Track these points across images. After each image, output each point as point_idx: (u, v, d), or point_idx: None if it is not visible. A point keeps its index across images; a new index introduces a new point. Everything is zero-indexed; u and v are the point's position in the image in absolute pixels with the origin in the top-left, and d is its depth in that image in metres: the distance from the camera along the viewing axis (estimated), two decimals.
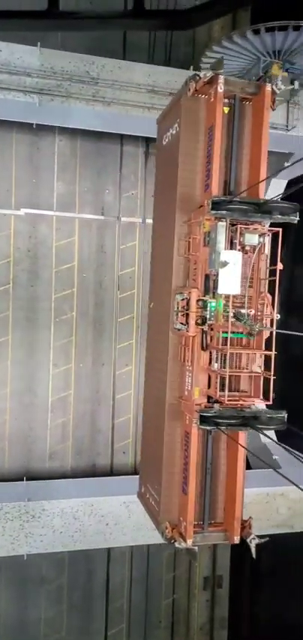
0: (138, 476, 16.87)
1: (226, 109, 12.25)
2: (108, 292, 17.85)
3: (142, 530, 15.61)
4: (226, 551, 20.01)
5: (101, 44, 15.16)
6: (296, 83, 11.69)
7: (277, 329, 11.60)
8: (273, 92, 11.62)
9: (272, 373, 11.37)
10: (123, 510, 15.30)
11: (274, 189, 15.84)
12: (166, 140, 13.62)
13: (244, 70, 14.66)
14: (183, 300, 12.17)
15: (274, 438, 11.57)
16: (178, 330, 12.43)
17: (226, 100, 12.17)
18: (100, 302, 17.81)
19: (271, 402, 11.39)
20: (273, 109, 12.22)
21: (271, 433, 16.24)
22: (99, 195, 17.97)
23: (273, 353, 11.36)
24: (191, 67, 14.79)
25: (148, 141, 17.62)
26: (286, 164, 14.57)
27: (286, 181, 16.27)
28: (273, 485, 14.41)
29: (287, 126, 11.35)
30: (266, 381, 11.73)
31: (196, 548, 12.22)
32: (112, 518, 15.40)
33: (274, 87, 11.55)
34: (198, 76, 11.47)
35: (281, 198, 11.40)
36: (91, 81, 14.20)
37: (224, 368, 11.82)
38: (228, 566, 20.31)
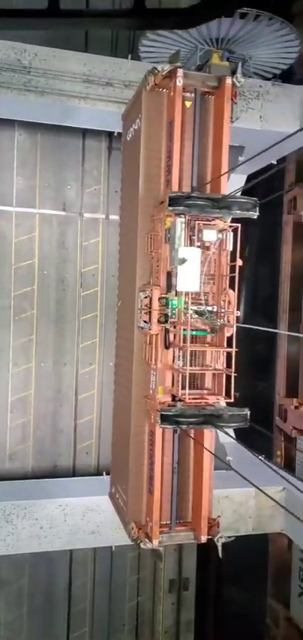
0: (79, 477, 16.79)
1: (189, 103, 12.09)
2: (70, 290, 17.45)
3: (79, 533, 15.36)
4: (193, 554, 19.84)
5: (65, 38, 14.76)
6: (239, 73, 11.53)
7: (239, 326, 11.55)
8: (233, 85, 11.47)
9: (233, 370, 11.30)
10: (58, 514, 15.02)
11: (235, 184, 15.75)
12: (130, 136, 13.40)
13: (183, 60, 14.37)
14: (146, 297, 12.01)
15: (233, 436, 11.52)
16: (142, 328, 12.28)
17: (189, 94, 12.02)
18: (61, 300, 17.40)
19: (232, 400, 11.32)
20: (235, 103, 12.12)
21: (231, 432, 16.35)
22: (60, 191, 17.53)
23: (233, 350, 11.29)
24: (129, 57, 14.39)
25: (111, 135, 17.27)
26: (240, 158, 14.45)
27: (246, 176, 16.23)
28: (220, 488, 14.37)
29: (231, 117, 11.24)
30: (236, 378, 11.72)
31: (161, 549, 12.09)
32: (47, 521, 15.07)
33: (234, 80, 11.40)
34: (156, 69, 11.24)
35: (242, 193, 11.32)
36: (23, 70, 13.55)
37: (190, 366, 11.75)
38: (194, 568, 20.14)
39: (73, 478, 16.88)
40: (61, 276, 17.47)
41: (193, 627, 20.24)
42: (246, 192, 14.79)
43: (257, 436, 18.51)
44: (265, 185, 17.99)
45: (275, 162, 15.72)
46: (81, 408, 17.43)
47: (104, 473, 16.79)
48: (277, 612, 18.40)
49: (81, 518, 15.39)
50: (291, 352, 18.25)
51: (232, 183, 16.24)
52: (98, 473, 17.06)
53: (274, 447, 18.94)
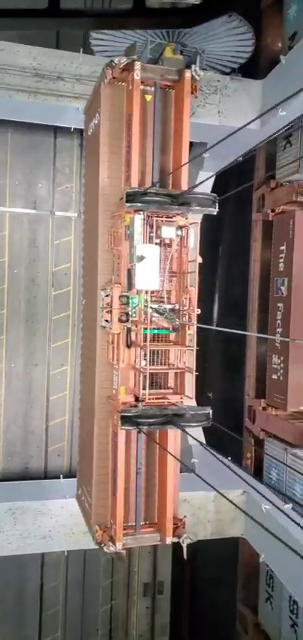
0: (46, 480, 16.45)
1: (149, 97, 11.85)
2: (41, 289, 17.16)
3: (29, 538, 14.95)
4: (168, 557, 19.48)
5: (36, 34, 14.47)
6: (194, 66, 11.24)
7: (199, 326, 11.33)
8: (193, 78, 11.23)
9: (194, 369, 11.08)
10: (8, 518, 14.67)
11: (205, 183, 15.56)
12: (91, 130, 13.16)
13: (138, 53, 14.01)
14: (107, 296, 11.78)
15: (196, 438, 11.27)
16: (104, 327, 12.05)
17: (149, 88, 11.79)
18: (32, 299, 17.09)
19: (193, 399, 11.10)
20: (195, 97, 11.89)
21: (200, 433, 16.13)
22: (31, 189, 17.25)
23: (194, 349, 11.07)
24: (81, 50, 14.06)
25: (83, 133, 17.02)
26: (204, 155, 14.19)
27: (214, 174, 15.98)
28: (180, 490, 14.17)
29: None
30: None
31: (124, 552, 11.85)
32: None
33: (193, 73, 11.16)
34: (113, 62, 11.00)
35: (212, 191, 11.06)
36: None
37: (151, 365, 11.55)
38: (169, 572, 19.77)
39: (25, 481, 16.47)
40: (31, 275, 17.19)
41: (168, 631, 19.89)
42: (216, 190, 14.63)
43: (228, 438, 18.34)
44: (237, 183, 17.72)
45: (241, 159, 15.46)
46: (52, 410, 17.15)
47: (61, 476, 16.55)
48: (246, 618, 18.05)
49: (32, 522, 14.98)
50: (260, 353, 17.99)
51: (201, 180, 16.05)
52: (70, 475, 16.77)
53: (244, 449, 18.70)
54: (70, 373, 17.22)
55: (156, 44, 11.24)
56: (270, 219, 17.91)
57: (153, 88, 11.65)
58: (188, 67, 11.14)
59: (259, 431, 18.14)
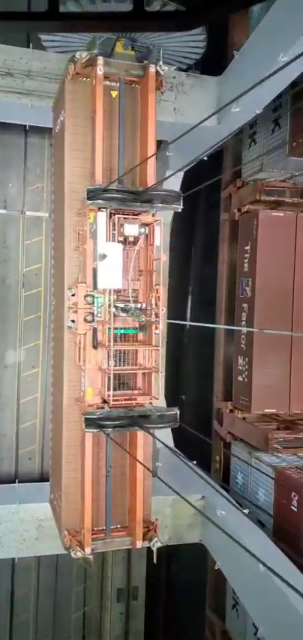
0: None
1: (114, 93, 11.64)
2: (12, 290, 16.77)
3: None
4: (142, 562, 19.02)
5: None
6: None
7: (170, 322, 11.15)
8: (157, 73, 11.04)
9: (160, 369, 10.89)
10: None
11: (172, 182, 15.32)
12: (58, 127, 12.92)
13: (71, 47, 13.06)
14: (73, 295, 11.55)
15: (161, 440, 11.09)
16: (70, 327, 11.81)
17: (114, 83, 11.58)
18: (3, 300, 16.68)
19: (159, 400, 10.90)
20: (161, 92, 11.71)
21: (169, 436, 15.91)
22: (1, 189, 16.87)
23: (160, 348, 10.88)
24: (31, 45, 13.69)
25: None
26: (168, 154, 13.96)
27: (183, 173, 15.78)
28: None
29: None
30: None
31: (91, 557, 11.62)
32: None
33: (158, 68, 10.97)
34: (75, 57, 10.77)
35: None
36: None
37: (119, 366, 11.35)
38: (144, 577, 19.39)
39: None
40: (2, 276, 16.81)
41: (142, 636, 19.52)
42: (187, 190, 14.50)
43: (199, 441, 18.10)
44: (207, 182, 17.50)
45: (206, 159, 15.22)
46: (23, 412, 16.79)
47: (16, 480, 16.19)
48: (215, 624, 17.78)
49: None
50: (228, 355, 17.76)
51: (170, 181, 15.86)
52: (42, 479, 16.45)
53: (213, 453, 18.48)
54: (42, 375, 16.87)
55: (105, 38, 10.97)
56: (236, 218, 17.63)
57: (118, 84, 11.45)
58: (142, 61, 10.92)
59: (226, 434, 17.83)
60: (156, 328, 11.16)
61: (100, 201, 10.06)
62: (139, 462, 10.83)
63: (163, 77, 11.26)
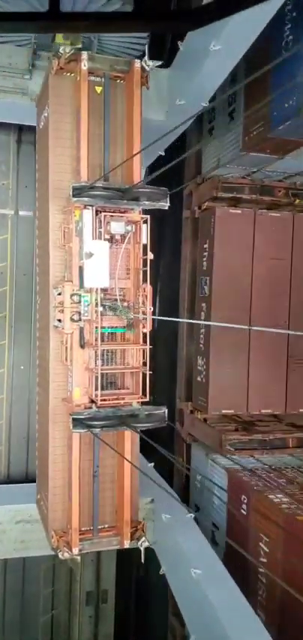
0: None
1: (99, 89, 11.48)
2: None
3: None
4: (112, 565, 18.77)
5: None
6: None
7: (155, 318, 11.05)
8: (143, 69, 10.91)
9: (148, 368, 10.79)
10: None
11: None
12: (42, 124, 12.70)
13: (26, 40, 12.97)
14: (59, 294, 11.39)
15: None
16: (56, 327, 11.66)
17: (99, 79, 11.41)
18: None
19: (147, 399, 10.80)
20: (147, 88, 11.56)
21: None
22: None
23: (148, 347, 10.79)
24: None
25: (21, 129, 16.38)
26: None
27: (145, 169, 15.51)
28: None
29: None
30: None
31: (78, 558, 11.53)
32: None
33: (143, 63, 10.83)
34: (60, 52, 10.58)
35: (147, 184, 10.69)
36: None
37: (107, 365, 11.24)
38: (113, 579, 19.12)
39: None
40: None
41: None
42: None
43: (165, 442, 17.93)
44: (177, 180, 17.22)
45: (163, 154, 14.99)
46: None
47: None
48: (176, 629, 17.67)
49: None
50: (190, 355, 17.48)
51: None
52: (9, 481, 16.17)
53: (176, 454, 18.00)
54: (8, 376, 16.51)
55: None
56: (197, 216, 17.26)
57: (103, 79, 11.28)
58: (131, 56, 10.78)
59: (186, 435, 17.62)
60: (144, 327, 11.06)
61: (85, 199, 9.91)
62: (128, 460, 10.73)
63: (148, 73, 11.11)
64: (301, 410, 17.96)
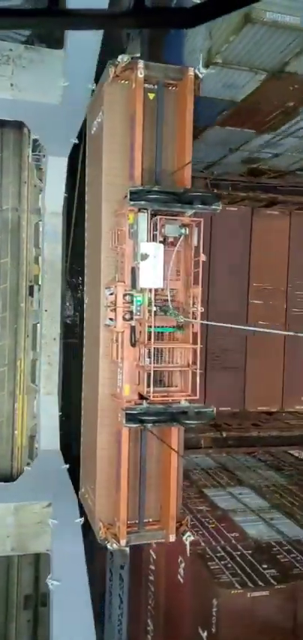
0: None
1: (152, 95, 11.86)
2: None
3: None
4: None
5: None
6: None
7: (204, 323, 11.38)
8: (196, 76, 11.25)
9: (198, 367, 11.11)
10: None
11: (56, 167, 15.22)
12: (94, 129, 13.18)
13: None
14: (111, 294, 11.82)
15: None
16: (108, 325, 12.08)
17: (151, 86, 11.79)
18: None
19: (197, 397, 11.13)
20: (198, 95, 11.90)
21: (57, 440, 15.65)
22: None
23: (198, 347, 11.10)
24: None
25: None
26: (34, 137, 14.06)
27: (66, 158, 15.21)
28: None
29: None
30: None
31: (127, 549, 11.91)
32: None
33: (196, 71, 11.18)
34: (117, 61, 10.99)
35: None
36: None
37: (156, 363, 11.57)
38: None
39: None
40: None
41: None
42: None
43: None
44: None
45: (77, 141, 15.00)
46: None
47: None
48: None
49: None
50: None
51: (53, 166, 15.74)
52: None
53: None
54: None
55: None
56: None
57: (156, 86, 11.66)
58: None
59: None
60: (193, 327, 11.39)
61: (142, 202, 10.29)
62: (173, 450, 11.07)
63: (201, 80, 11.45)
64: (221, 408, 18.39)
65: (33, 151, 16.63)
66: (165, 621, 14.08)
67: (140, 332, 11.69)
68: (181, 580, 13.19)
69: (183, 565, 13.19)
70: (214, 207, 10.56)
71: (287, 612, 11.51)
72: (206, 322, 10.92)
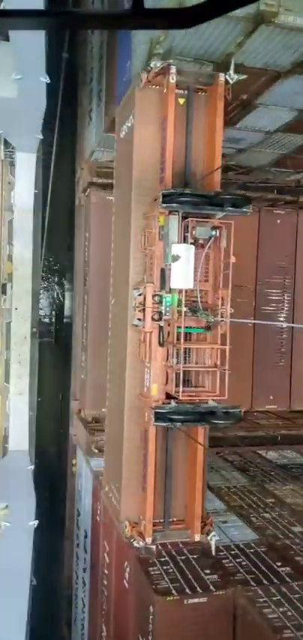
0: None
1: (182, 100, 12.07)
2: None
3: None
4: None
5: None
6: None
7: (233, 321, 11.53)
8: (226, 82, 11.45)
9: (227, 367, 11.26)
10: None
11: (25, 162, 15.14)
12: (123, 133, 13.41)
13: None
14: (140, 295, 12.02)
15: None
16: (136, 325, 12.27)
17: (181, 91, 12.01)
18: None
19: (225, 397, 11.28)
20: (228, 100, 12.09)
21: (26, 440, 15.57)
22: None
23: (227, 347, 11.25)
24: None
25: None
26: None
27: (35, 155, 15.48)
28: None
29: None
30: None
31: (154, 547, 12.06)
32: None
33: (227, 77, 11.38)
34: (149, 66, 11.23)
35: None
36: None
37: (184, 363, 11.73)
38: None
39: None
40: None
41: None
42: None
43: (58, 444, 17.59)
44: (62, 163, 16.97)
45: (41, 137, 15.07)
46: None
47: None
48: (65, 638, 17.45)
49: None
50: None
51: (22, 162, 15.78)
52: None
53: (69, 456, 17.83)
54: None
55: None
56: (81, 203, 16.81)
57: (186, 92, 11.88)
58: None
59: (73, 436, 17.17)
60: (221, 329, 11.55)
61: (174, 205, 10.49)
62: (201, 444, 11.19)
63: (230, 85, 11.64)
64: None
65: (5, 147, 16.69)
66: (114, 628, 13.77)
67: (168, 332, 11.88)
68: (127, 585, 12.83)
69: (128, 570, 12.85)
70: (244, 209, 10.74)
71: (225, 619, 11.05)
72: (235, 320, 11.06)
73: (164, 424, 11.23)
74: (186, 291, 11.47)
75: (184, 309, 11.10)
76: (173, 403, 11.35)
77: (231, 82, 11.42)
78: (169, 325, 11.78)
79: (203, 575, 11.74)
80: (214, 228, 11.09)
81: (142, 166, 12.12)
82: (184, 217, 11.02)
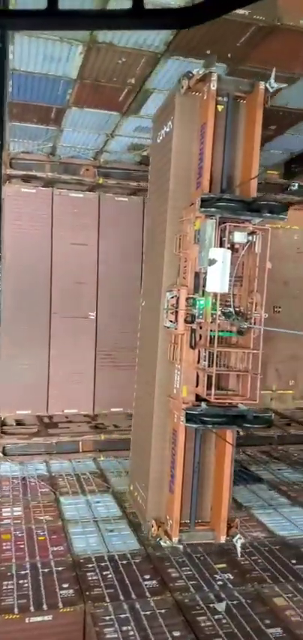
0: None
1: (221, 107, 12.23)
2: None
3: None
4: None
5: None
6: None
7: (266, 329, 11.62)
8: (266, 89, 11.59)
9: (259, 372, 11.36)
10: None
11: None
12: (160, 138, 13.63)
13: None
14: (173, 297, 12.20)
15: None
16: (168, 327, 12.45)
17: (220, 98, 12.17)
18: None
19: (256, 402, 11.37)
20: (267, 107, 12.22)
21: None
22: None
23: (260, 352, 11.35)
24: None
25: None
26: None
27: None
28: None
29: None
30: None
31: (181, 546, 12.19)
32: None
33: (267, 85, 11.51)
34: (191, 73, 11.44)
35: None
36: None
37: (213, 366, 11.85)
38: None
39: None
40: None
41: None
42: None
43: None
44: None
45: None
46: None
47: None
48: None
49: None
50: None
51: None
52: None
53: None
54: None
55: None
56: (2, 196, 16.35)
57: (225, 99, 12.04)
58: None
59: None
60: (254, 333, 11.66)
61: (213, 209, 10.66)
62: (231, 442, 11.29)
63: (270, 94, 11.77)
64: (112, 409, 17.61)
65: None
66: None
67: (200, 335, 12.02)
68: None
69: None
70: (281, 216, 10.85)
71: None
72: (267, 328, 11.16)
73: (195, 426, 11.37)
74: (219, 294, 11.60)
75: (218, 312, 11.21)
76: (204, 405, 11.48)
77: (271, 90, 11.54)
78: (201, 328, 11.91)
79: (57, 591, 10.79)
80: (251, 233, 11.21)
81: (180, 171, 12.33)
82: (220, 222, 11.16)
